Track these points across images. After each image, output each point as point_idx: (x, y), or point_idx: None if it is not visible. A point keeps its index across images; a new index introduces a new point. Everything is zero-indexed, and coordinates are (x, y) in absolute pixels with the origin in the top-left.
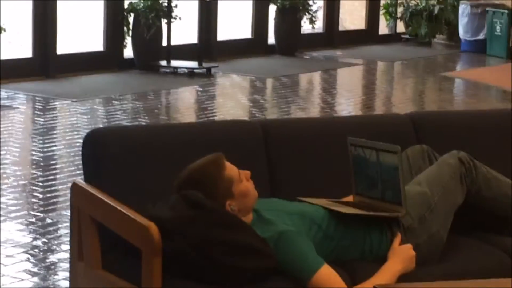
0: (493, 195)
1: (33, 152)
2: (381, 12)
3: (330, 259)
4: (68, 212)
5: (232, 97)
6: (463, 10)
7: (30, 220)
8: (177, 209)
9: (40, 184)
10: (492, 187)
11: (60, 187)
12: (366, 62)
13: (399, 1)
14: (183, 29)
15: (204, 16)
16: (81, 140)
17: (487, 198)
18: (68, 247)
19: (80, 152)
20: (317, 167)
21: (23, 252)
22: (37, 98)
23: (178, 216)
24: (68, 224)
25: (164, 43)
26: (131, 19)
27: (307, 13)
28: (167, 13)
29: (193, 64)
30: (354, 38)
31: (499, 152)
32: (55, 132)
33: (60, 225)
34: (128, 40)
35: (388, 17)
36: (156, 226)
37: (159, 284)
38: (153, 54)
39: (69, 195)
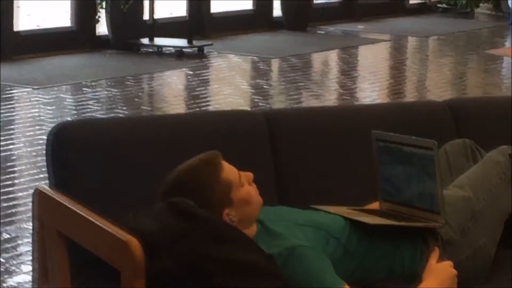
0: None
1: None
2: None
3: (352, 281)
4: (29, 225)
5: (230, 82)
6: None
7: None
8: (163, 221)
9: None
10: None
11: (20, 194)
12: (393, 37)
13: None
14: (169, 0)
15: None
16: (44, 137)
17: None
18: (30, 267)
19: (44, 152)
20: (334, 168)
21: None
22: None
23: (165, 228)
24: (29, 239)
25: (146, 17)
26: None
27: None
28: None
29: (181, 42)
30: (378, 9)
31: None
32: (12, 127)
33: (20, 241)
34: (102, 14)
35: None
36: (138, 242)
37: None
38: (132, 30)
39: (30, 204)
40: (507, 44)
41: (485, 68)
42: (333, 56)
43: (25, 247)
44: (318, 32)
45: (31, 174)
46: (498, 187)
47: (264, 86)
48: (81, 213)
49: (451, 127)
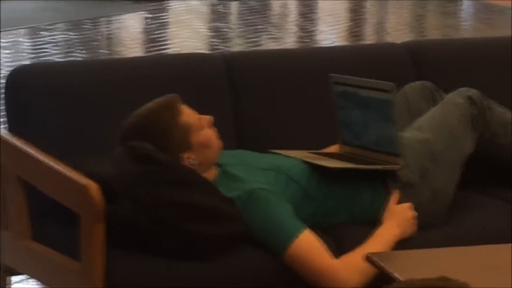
0: (510, 143)
1: None
2: None
3: (312, 223)
4: None
5: (188, 25)
6: None
7: None
8: (122, 165)
9: None
10: (510, 133)
11: None
12: None
13: None
14: None
15: None
16: (2, 81)
17: (504, 146)
18: None
19: (3, 96)
20: (293, 111)
21: None
22: None
23: (124, 173)
24: None
25: None
26: None
27: None
28: None
29: None
30: None
31: None
32: None
33: None
34: None
35: None
36: (97, 186)
37: (102, 257)
38: None
39: None
40: None
41: (444, 10)
42: None
43: None
44: None
45: None
46: (457, 129)
47: (223, 29)
48: (40, 158)
49: (410, 69)
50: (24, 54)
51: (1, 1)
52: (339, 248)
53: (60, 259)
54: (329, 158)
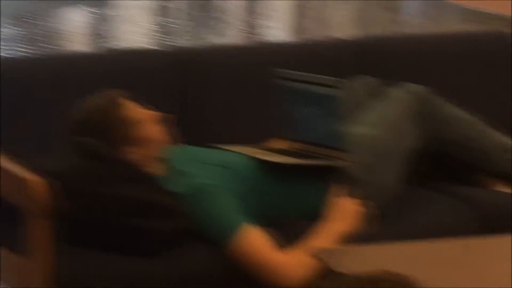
0: (456, 138)
1: None
2: None
3: (257, 218)
4: None
5: (133, 20)
6: None
7: None
8: (68, 161)
9: None
10: (455, 129)
11: None
12: None
13: None
14: None
15: None
16: None
17: (449, 142)
18: None
19: None
20: (240, 107)
21: None
22: None
23: (70, 169)
24: None
25: None
26: None
27: None
28: None
29: None
30: None
31: (463, 85)
32: None
33: None
34: None
35: None
36: (44, 181)
37: (49, 253)
38: None
39: None
40: None
41: (388, 6)
42: None
43: None
44: None
45: None
46: (402, 125)
47: (169, 24)
48: None
49: (355, 65)
50: None
51: None
52: (284, 242)
53: (8, 256)
54: (276, 154)
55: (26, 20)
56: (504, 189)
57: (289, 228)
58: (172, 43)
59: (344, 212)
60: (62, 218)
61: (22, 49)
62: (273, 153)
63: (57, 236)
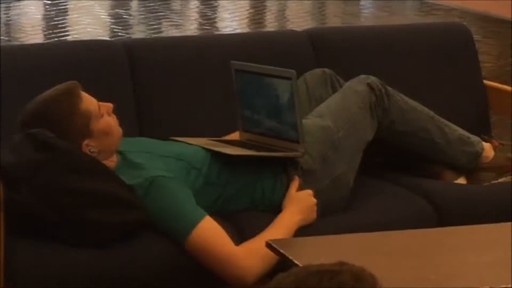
0: (409, 129)
1: None
2: None
3: (213, 211)
4: None
5: (89, 11)
6: None
7: None
8: (21, 152)
9: None
10: (408, 120)
11: None
12: None
13: None
14: None
15: None
16: None
17: (403, 133)
18: None
19: None
20: (194, 99)
21: None
22: None
23: (23, 160)
24: None
25: None
26: None
27: None
28: None
29: None
30: None
31: (416, 77)
32: None
33: None
34: None
35: None
36: None
37: (1, 246)
38: None
39: None
40: None
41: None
42: None
43: None
44: None
45: None
46: (357, 116)
47: (124, 16)
48: None
49: (310, 57)
50: None
51: None
52: (240, 235)
53: None
54: (231, 146)
55: None
56: (458, 181)
57: (241, 219)
58: (127, 35)
59: (300, 203)
60: (15, 210)
61: None
62: (227, 144)
63: (10, 227)
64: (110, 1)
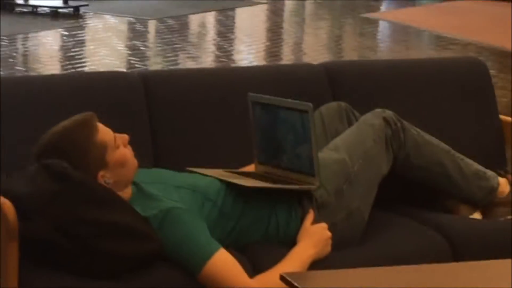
0: (424, 164)
1: None
2: None
3: (227, 243)
4: None
5: (106, 43)
6: None
7: None
8: (37, 183)
9: None
10: (424, 154)
11: None
12: (270, 0)
13: None
14: None
15: None
16: None
17: (418, 167)
18: None
19: None
20: (210, 130)
21: None
22: None
23: (38, 190)
24: None
25: None
26: None
27: None
28: None
29: (56, 2)
30: None
31: (432, 111)
32: None
33: None
34: None
35: None
36: (11, 203)
37: (15, 275)
38: None
39: None
40: (382, 8)
41: (360, 32)
42: (210, 18)
43: None
44: None
45: None
46: (373, 150)
47: (141, 48)
48: None
49: (326, 90)
50: None
51: None
52: (254, 268)
53: None
54: (246, 177)
55: (2, 42)
56: (474, 215)
57: (255, 252)
58: (144, 66)
59: (314, 237)
60: (29, 240)
61: None
62: (243, 176)
63: (24, 258)
64: (127, 33)
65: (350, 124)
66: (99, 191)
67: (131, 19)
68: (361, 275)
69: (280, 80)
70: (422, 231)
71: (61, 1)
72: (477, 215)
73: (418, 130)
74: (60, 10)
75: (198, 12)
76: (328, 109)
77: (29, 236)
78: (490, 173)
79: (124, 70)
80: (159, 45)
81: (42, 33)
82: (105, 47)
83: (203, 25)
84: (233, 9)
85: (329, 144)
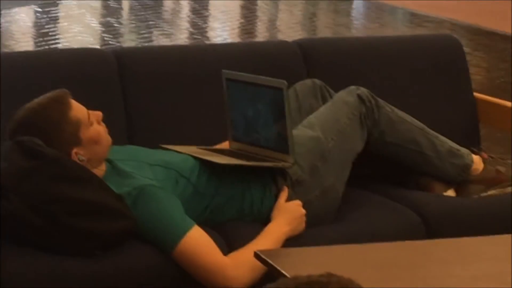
0: (399, 141)
1: None
2: None
3: (201, 220)
4: None
5: (80, 20)
6: None
7: None
8: (10, 160)
9: None
10: (398, 131)
11: None
12: None
13: None
14: None
15: None
16: None
17: (392, 144)
18: None
19: None
20: (184, 108)
21: None
22: None
23: (12, 168)
24: None
25: None
26: None
27: None
28: None
29: None
30: None
31: (406, 88)
32: None
33: None
34: None
35: None
36: None
37: None
38: None
39: None
40: None
41: (335, 9)
42: None
43: None
44: None
45: None
46: (347, 127)
47: (115, 25)
48: None
49: (301, 67)
50: None
51: None
52: (228, 245)
53: None
54: (220, 155)
55: None
56: (447, 193)
57: (229, 229)
58: (118, 43)
59: (289, 214)
60: (4, 218)
61: None
62: (216, 153)
63: (2, 236)
64: (101, 10)
65: (324, 101)
66: (72, 168)
67: None
68: (335, 252)
69: (255, 57)
70: (396, 209)
71: None
72: (451, 193)
73: (393, 107)
74: None
75: None
76: (303, 86)
77: (3, 214)
78: (464, 150)
79: (98, 47)
80: (133, 22)
81: (15, 10)
82: (79, 24)
83: (177, 2)
84: None
85: (304, 122)
